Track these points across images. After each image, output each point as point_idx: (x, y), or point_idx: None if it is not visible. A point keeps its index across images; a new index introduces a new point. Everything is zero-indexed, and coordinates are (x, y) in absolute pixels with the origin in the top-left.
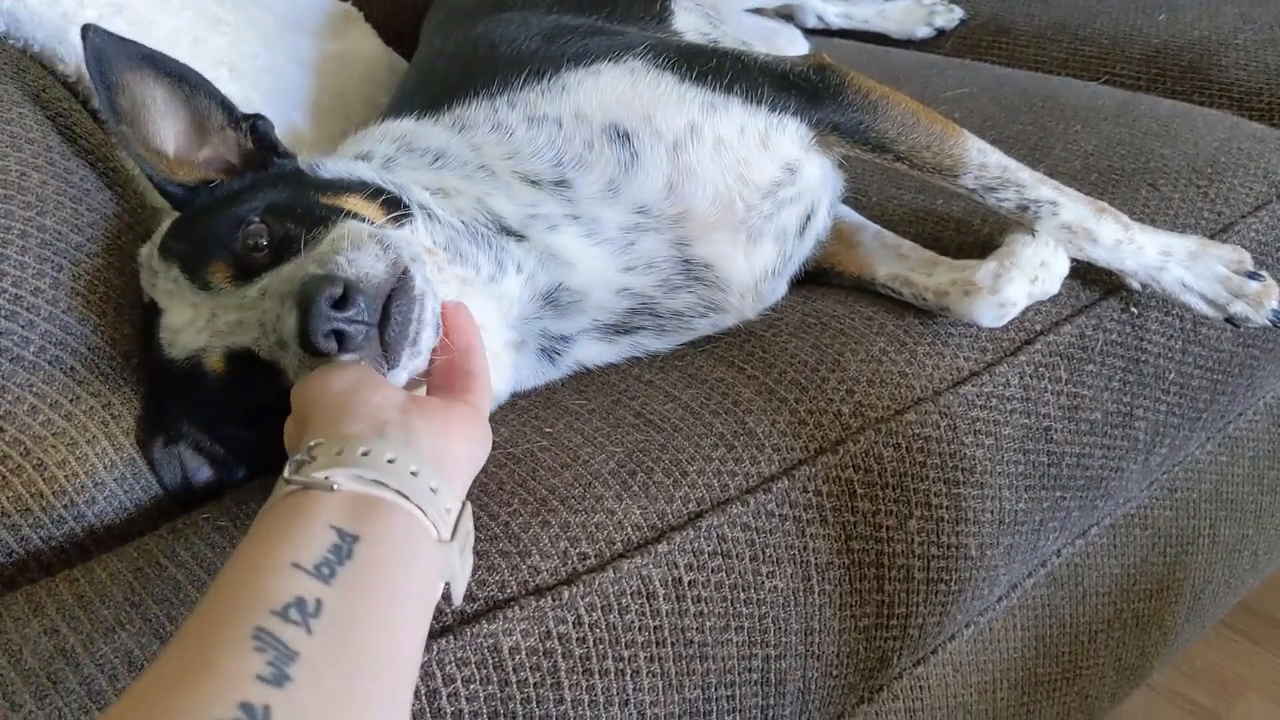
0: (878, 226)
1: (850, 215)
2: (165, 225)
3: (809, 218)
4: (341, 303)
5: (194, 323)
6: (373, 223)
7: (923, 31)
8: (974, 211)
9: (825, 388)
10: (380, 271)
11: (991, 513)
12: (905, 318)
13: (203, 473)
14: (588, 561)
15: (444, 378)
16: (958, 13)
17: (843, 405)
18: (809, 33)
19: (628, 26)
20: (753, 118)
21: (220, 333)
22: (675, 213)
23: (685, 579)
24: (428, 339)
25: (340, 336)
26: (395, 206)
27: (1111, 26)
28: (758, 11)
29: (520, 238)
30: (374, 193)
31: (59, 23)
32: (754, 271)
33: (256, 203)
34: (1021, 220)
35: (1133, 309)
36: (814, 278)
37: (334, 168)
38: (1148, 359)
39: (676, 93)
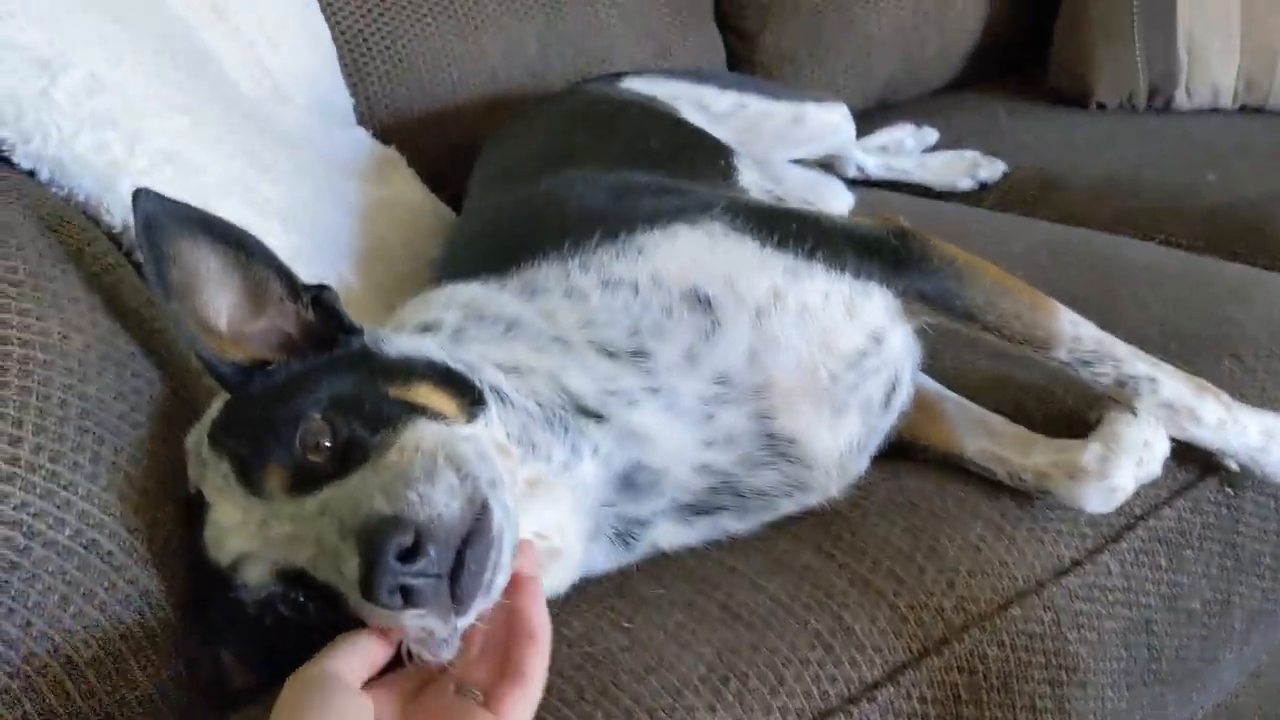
0: (959, 397)
1: (930, 384)
2: (215, 408)
3: (894, 388)
4: (411, 553)
5: (244, 526)
6: (445, 420)
7: (965, 184)
8: (1055, 380)
9: (924, 579)
10: (455, 512)
11: (1095, 714)
12: (999, 498)
13: (240, 678)
14: None
15: (490, 652)
16: (1000, 166)
17: (944, 599)
18: (849, 183)
19: (696, 184)
20: (837, 284)
21: (272, 543)
22: (757, 383)
23: None
24: (502, 581)
25: (406, 592)
26: (467, 391)
27: (1161, 183)
28: (799, 162)
29: (599, 418)
30: (443, 376)
31: (107, 171)
32: (839, 446)
33: (319, 394)
34: (1119, 397)
35: (1227, 489)
36: (895, 449)
37: (400, 344)
38: (1244, 542)
39: (759, 257)
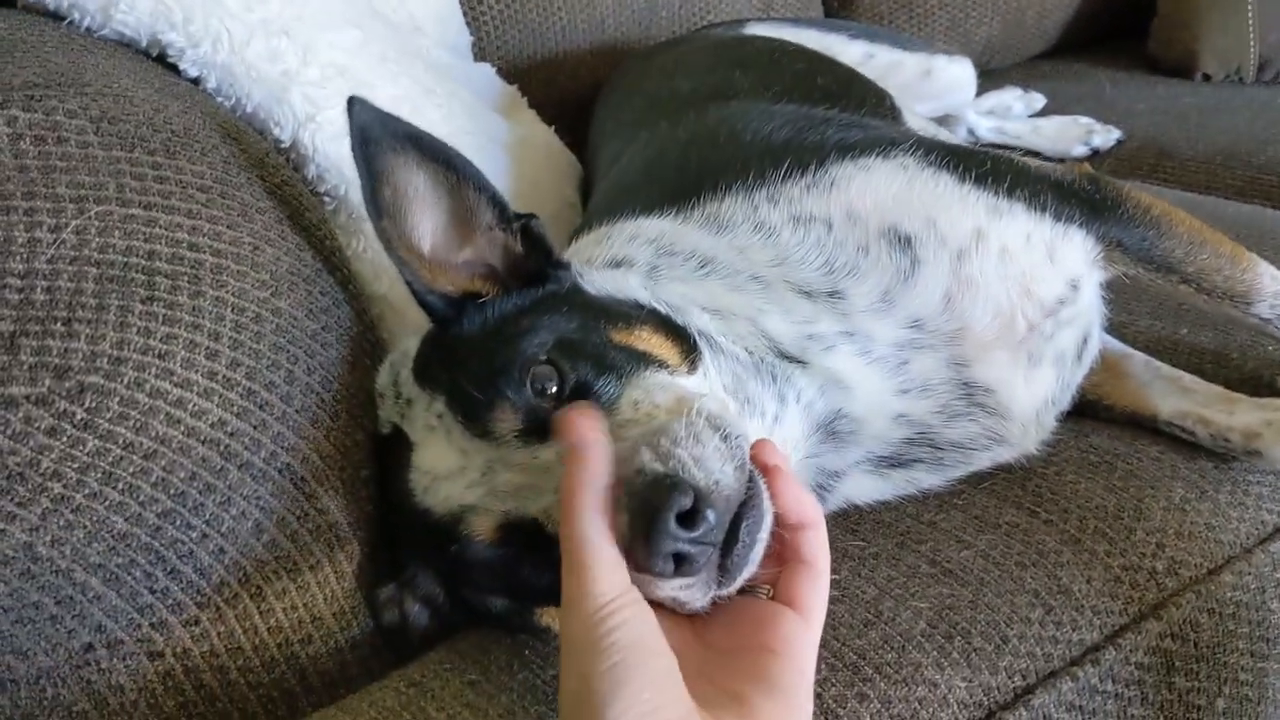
0: (1146, 356)
1: (1114, 343)
2: (411, 343)
3: (1085, 341)
4: (688, 518)
5: (463, 473)
6: (669, 369)
7: (1078, 150)
8: (1228, 343)
9: (1134, 540)
10: (731, 478)
11: None
12: (1196, 460)
13: (423, 620)
14: None
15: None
16: (1115, 133)
17: (1156, 562)
18: None
19: (874, 121)
20: (1039, 226)
21: (499, 493)
22: (951, 329)
23: None
24: (761, 552)
25: (679, 559)
26: (684, 337)
27: None
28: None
29: (802, 364)
30: (661, 321)
31: (279, 81)
32: (1035, 399)
33: (542, 335)
34: None
35: None
36: (1077, 409)
37: (603, 282)
38: None
39: (958, 194)
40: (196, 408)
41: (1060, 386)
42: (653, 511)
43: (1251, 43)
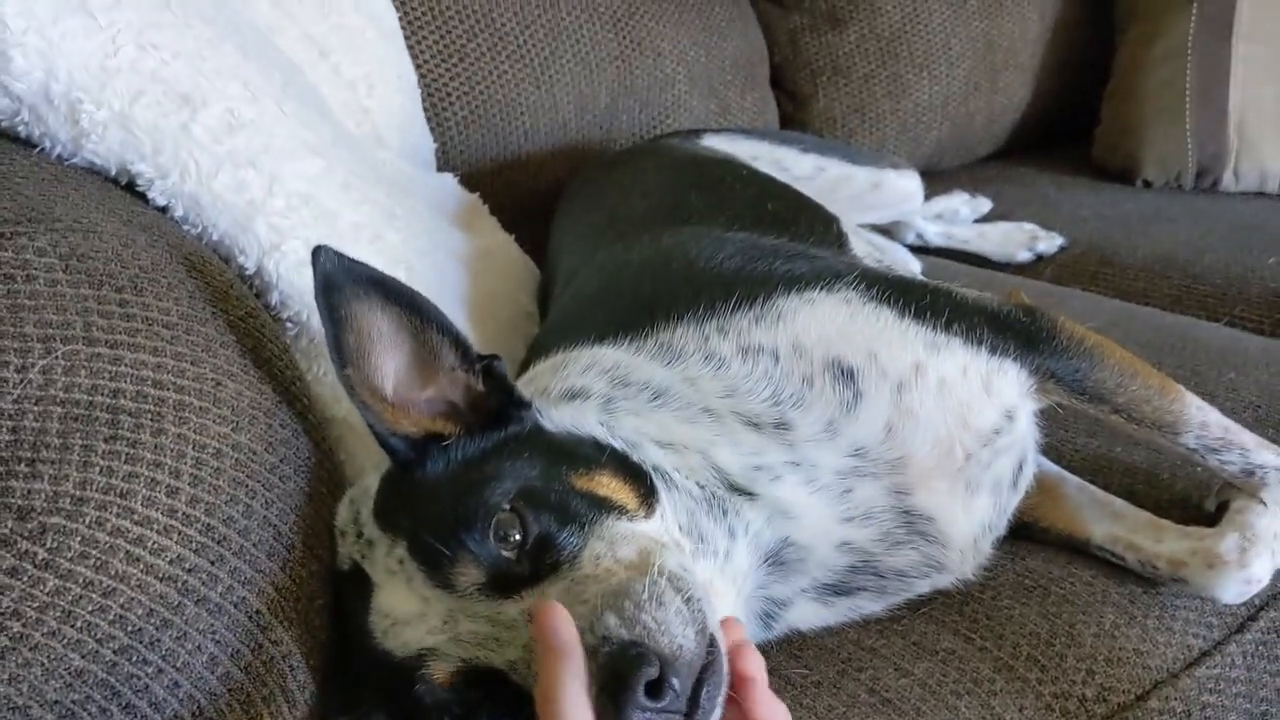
0: (1079, 479)
1: (1049, 466)
2: (373, 481)
3: (1021, 468)
4: (654, 687)
5: (423, 619)
6: (628, 514)
7: (1023, 255)
8: (1159, 463)
9: (1064, 666)
10: (693, 643)
11: None
12: (1126, 583)
13: None
14: None
15: None
16: (1058, 239)
17: (1085, 689)
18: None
19: (819, 251)
20: (975, 360)
21: (462, 641)
22: (893, 457)
23: None
24: (719, 713)
25: None
26: (641, 477)
27: (1223, 265)
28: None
29: (750, 495)
30: (619, 462)
31: (245, 211)
32: (973, 526)
33: (505, 484)
34: (1245, 486)
35: None
36: (1015, 533)
37: (561, 418)
38: None
39: (899, 329)
40: (156, 545)
41: (997, 513)
42: (621, 683)
43: (1190, 151)
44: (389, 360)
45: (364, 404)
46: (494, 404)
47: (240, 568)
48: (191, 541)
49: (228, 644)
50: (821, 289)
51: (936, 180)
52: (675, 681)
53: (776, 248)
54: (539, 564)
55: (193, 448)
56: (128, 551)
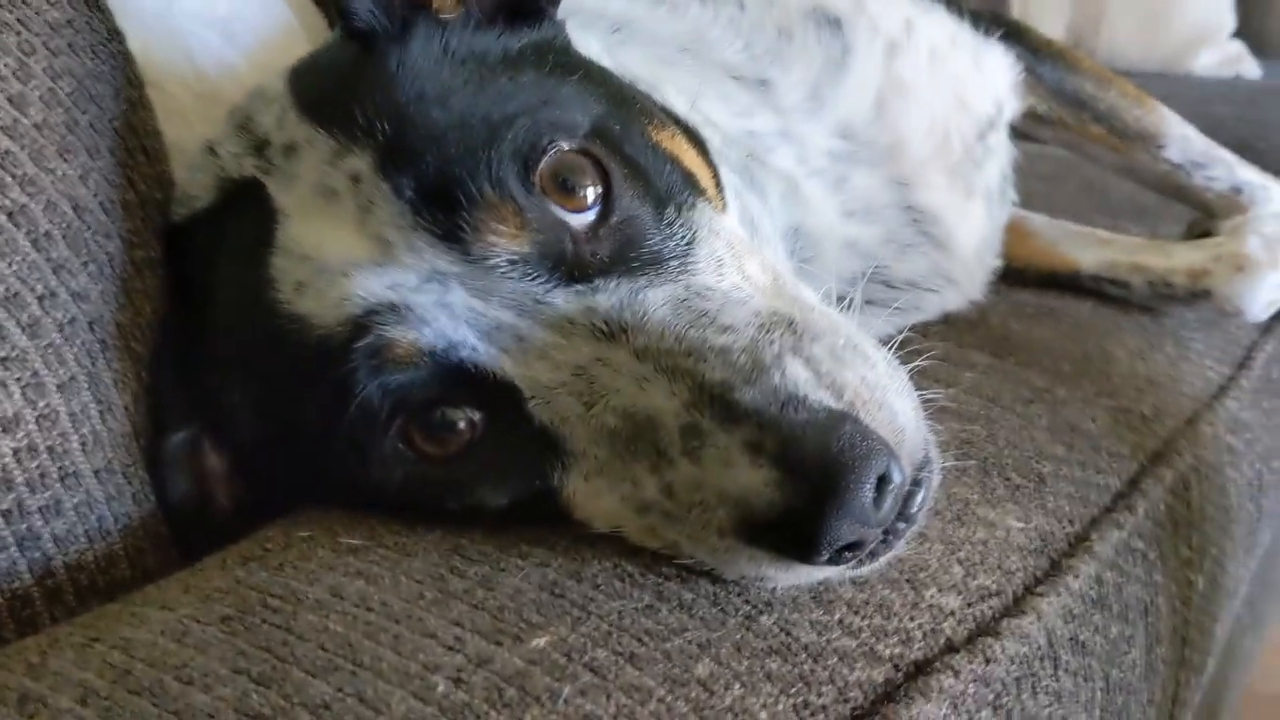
0: (1045, 215)
1: (1011, 210)
2: (275, 82)
3: (1004, 179)
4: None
5: (379, 270)
6: (712, 204)
7: None
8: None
9: (1114, 383)
10: (913, 424)
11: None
12: (1130, 314)
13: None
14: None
15: None
16: None
17: (1142, 406)
18: None
19: None
20: (961, 30)
21: (454, 316)
22: (886, 141)
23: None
24: None
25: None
26: (702, 147)
27: None
28: None
29: (762, 164)
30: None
31: None
32: (973, 234)
33: (570, 110)
34: (1232, 205)
35: None
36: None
37: (583, 42)
38: None
39: None
40: None
41: (991, 226)
42: (840, 478)
43: None
44: None
45: None
46: None
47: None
48: None
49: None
50: None
51: None
52: (898, 479)
53: None
54: (629, 247)
55: None
56: None
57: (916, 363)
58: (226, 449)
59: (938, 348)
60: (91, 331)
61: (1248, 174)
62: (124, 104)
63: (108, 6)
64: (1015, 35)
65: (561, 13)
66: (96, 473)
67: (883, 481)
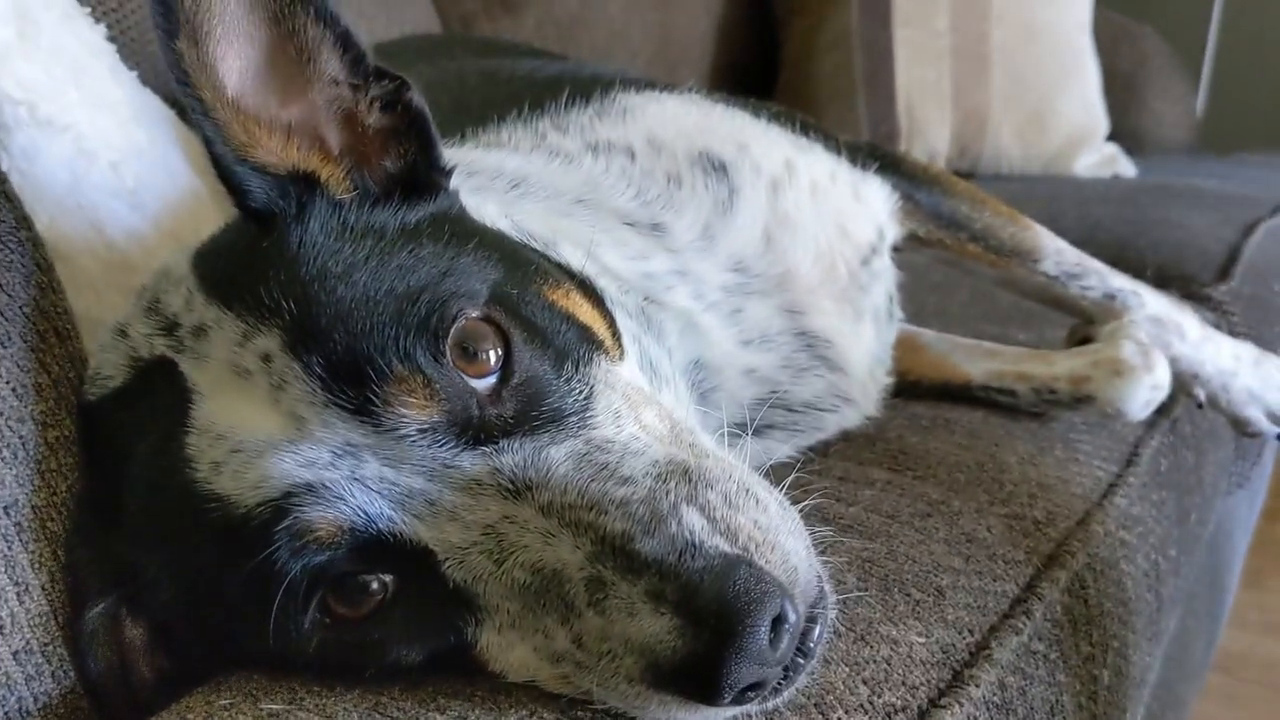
0: (934, 329)
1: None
2: (179, 260)
3: (890, 300)
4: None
5: (293, 447)
6: (609, 356)
7: None
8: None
9: (1005, 490)
10: (805, 564)
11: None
12: (1019, 420)
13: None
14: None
15: None
16: None
17: (1034, 511)
18: None
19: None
20: (839, 167)
21: (367, 489)
22: (776, 272)
23: None
24: None
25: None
26: (598, 301)
27: None
28: None
29: (659, 304)
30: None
31: None
32: (865, 355)
33: (468, 280)
34: (1107, 311)
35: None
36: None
37: (483, 208)
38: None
39: (760, 126)
40: None
41: (881, 345)
42: (737, 622)
43: (864, 131)
44: (233, 51)
45: (202, 105)
46: (400, 154)
47: None
48: None
49: None
50: (663, 90)
51: None
52: (793, 619)
53: (595, 67)
54: (530, 406)
55: None
56: None
57: (807, 501)
58: (146, 620)
59: (837, 467)
60: (7, 515)
61: (1119, 281)
62: (34, 289)
63: (15, 195)
64: (892, 166)
65: (461, 171)
66: (15, 654)
67: (778, 622)
